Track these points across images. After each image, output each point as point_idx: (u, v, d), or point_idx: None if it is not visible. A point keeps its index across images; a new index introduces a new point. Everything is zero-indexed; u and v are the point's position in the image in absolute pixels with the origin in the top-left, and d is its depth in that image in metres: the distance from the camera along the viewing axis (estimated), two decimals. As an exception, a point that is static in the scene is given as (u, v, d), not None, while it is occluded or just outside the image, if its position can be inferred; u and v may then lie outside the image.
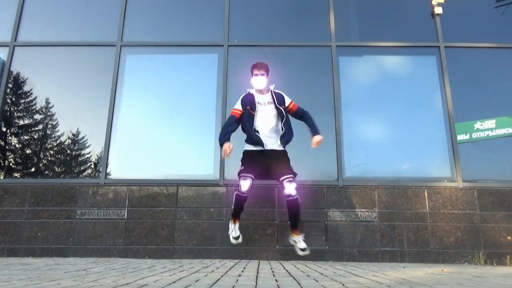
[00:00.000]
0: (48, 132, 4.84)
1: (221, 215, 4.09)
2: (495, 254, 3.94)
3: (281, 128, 3.59)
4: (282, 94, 3.69)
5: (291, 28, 5.02)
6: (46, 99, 4.84)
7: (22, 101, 4.94)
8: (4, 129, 4.80)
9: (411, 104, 4.71)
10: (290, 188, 3.36)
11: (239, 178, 3.46)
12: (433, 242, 4.00)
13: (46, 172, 4.71)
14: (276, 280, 1.98)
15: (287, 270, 2.60)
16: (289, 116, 3.66)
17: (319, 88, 4.72)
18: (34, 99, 4.87)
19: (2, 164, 4.74)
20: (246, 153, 3.56)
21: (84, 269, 2.52)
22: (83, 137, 4.72)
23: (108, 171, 4.45)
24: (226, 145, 3.40)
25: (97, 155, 4.60)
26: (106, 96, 4.61)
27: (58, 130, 4.78)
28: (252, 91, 3.66)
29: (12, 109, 4.93)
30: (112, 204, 4.18)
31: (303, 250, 3.50)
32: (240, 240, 3.61)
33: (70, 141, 4.74)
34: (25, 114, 4.92)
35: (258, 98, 3.61)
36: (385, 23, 5.05)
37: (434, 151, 4.54)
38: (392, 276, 2.28)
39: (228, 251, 3.97)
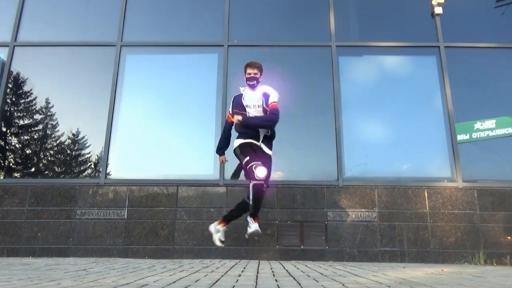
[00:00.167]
0: (48, 132, 4.84)
1: (221, 215, 4.07)
2: (495, 254, 3.94)
3: (267, 131, 3.52)
4: (268, 94, 3.52)
5: (291, 28, 5.02)
6: (46, 99, 4.84)
7: (22, 101, 4.94)
8: (4, 129, 4.80)
9: (411, 104, 4.71)
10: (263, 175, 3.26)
11: (251, 167, 3.25)
12: (433, 242, 4.00)
13: (46, 172, 4.71)
14: (276, 280, 1.98)
15: (287, 270, 2.60)
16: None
17: (319, 88, 4.73)
18: (34, 99, 4.87)
19: (2, 164, 4.74)
20: (242, 144, 3.46)
21: (84, 269, 2.52)
22: (83, 137, 4.72)
23: (108, 171, 4.45)
24: (221, 158, 3.76)
25: (97, 155, 4.60)
26: (106, 96, 4.61)
27: (58, 130, 4.78)
28: (243, 91, 3.60)
29: (12, 109, 4.93)
30: (112, 204, 4.18)
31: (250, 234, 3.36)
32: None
33: (70, 141, 4.74)
34: (25, 114, 4.92)
35: (247, 100, 3.53)
36: (385, 23, 5.05)
37: (434, 151, 4.54)
38: (392, 276, 2.28)
39: (228, 251, 3.97)
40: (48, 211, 4.16)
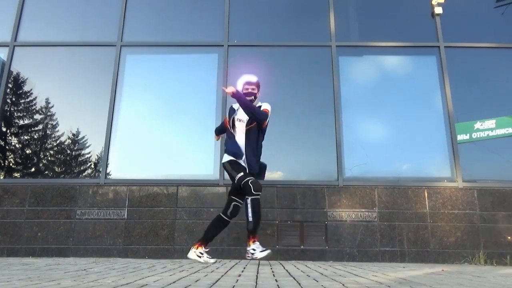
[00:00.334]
0: (48, 132, 4.84)
1: (221, 215, 4.09)
2: (495, 254, 3.94)
3: (259, 146, 3.47)
4: (261, 106, 3.48)
5: (291, 28, 5.02)
6: (46, 99, 4.84)
7: (22, 101, 4.94)
8: (4, 129, 4.80)
9: (411, 104, 4.71)
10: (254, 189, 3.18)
11: (247, 182, 3.20)
12: (433, 242, 4.00)
13: (46, 172, 4.71)
14: (276, 280, 1.98)
15: (287, 270, 2.60)
16: (263, 134, 3.51)
17: (319, 88, 4.72)
18: (34, 99, 4.87)
19: (2, 164, 4.74)
20: (232, 162, 3.38)
21: (84, 269, 2.52)
22: (83, 137, 4.72)
23: (108, 171, 4.45)
24: (216, 137, 3.89)
25: (97, 155, 4.60)
26: (106, 96, 4.61)
27: (58, 130, 4.78)
28: (236, 106, 3.54)
29: (12, 109, 4.93)
30: (112, 204, 4.18)
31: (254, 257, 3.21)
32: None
33: (70, 141, 4.74)
34: (25, 114, 4.92)
35: (240, 114, 3.47)
36: (385, 23, 5.05)
37: (434, 151, 4.54)
38: (392, 276, 2.28)
39: (228, 251, 3.97)
40: (48, 211, 4.16)
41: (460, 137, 4.45)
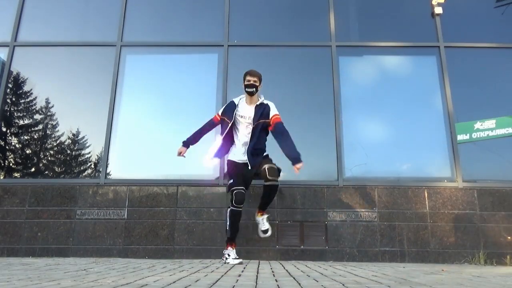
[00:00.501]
0: (48, 132, 4.84)
1: (221, 215, 4.09)
2: (495, 254, 3.94)
3: (264, 140, 3.57)
4: (269, 107, 3.57)
5: (291, 28, 5.02)
6: (46, 99, 4.84)
7: (22, 101, 4.94)
8: (4, 129, 4.80)
9: (411, 104, 4.71)
10: (273, 173, 3.33)
11: (231, 192, 3.38)
12: (433, 242, 4.00)
13: (46, 172, 4.71)
14: (276, 280, 1.98)
15: (287, 270, 2.60)
16: (268, 131, 3.58)
17: (319, 88, 4.72)
18: (34, 99, 4.87)
19: (2, 164, 4.74)
20: (231, 163, 3.51)
21: (84, 269, 2.52)
22: (83, 137, 4.72)
23: (108, 171, 4.45)
24: (182, 149, 3.66)
25: (97, 155, 4.60)
26: (106, 96, 4.61)
27: (58, 130, 4.78)
28: (238, 102, 3.60)
29: (12, 109, 4.93)
30: (112, 204, 4.18)
31: (264, 232, 3.54)
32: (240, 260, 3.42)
33: (70, 141, 4.74)
34: (25, 114, 4.92)
35: (241, 111, 3.54)
36: (385, 23, 5.05)
37: (434, 151, 4.54)
38: (392, 276, 2.28)
39: (228, 251, 3.97)
40: (48, 211, 4.16)
41: (460, 137, 4.45)
